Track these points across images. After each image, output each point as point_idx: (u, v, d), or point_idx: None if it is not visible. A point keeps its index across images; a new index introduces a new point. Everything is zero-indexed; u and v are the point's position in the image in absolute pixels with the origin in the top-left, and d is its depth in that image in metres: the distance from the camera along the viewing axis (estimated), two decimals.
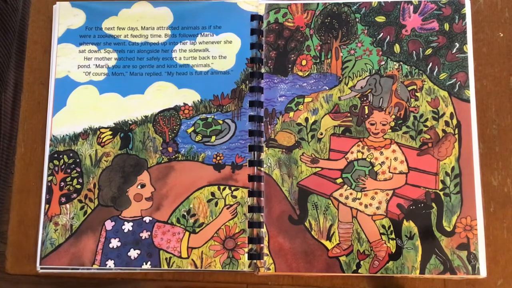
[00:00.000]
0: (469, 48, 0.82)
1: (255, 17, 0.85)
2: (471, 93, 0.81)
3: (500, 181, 0.81)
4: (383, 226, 0.78)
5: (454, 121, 0.80)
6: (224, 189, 0.80)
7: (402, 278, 0.80)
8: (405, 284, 0.80)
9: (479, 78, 0.83)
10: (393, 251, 0.78)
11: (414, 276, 0.78)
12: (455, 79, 0.81)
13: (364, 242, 0.78)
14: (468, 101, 0.80)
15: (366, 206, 0.79)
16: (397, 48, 0.83)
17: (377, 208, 0.79)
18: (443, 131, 0.80)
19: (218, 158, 0.81)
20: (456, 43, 0.82)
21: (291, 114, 0.82)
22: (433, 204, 0.78)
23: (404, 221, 0.78)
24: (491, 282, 0.79)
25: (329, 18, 0.84)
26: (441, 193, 0.79)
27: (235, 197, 0.80)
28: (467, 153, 0.79)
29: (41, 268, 0.80)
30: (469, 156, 0.79)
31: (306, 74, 0.83)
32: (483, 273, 0.77)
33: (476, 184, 0.79)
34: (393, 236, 0.78)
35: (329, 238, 0.78)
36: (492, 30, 0.85)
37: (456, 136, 0.80)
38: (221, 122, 0.82)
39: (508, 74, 0.84)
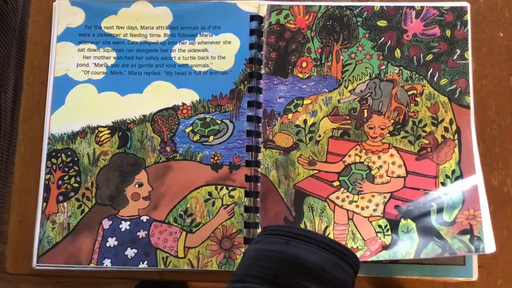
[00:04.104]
0: (470, 55, 0.82)
1: (254, 17, 0.85)
2: (471, 99, 0.80)
3: (500, 181, 0.81)
4: (379, 226, 0.78)
5: (454, 127, 0.79)
6: (221, 189, 0.80)
7: (402, 278, 0.79)
8: (405, 285, 0.80)
9: (479, 78, 0.83)
10: (388, 243, 0.77)
11: (415, 278, 0.78)
12: (456, 85, 0.81)
13: (358, 240, 0.78)
14: (468, 107, 0.80)
15: (362, 208, 0.78)
16: (398, 53, 0.82)
17: (374, 210, 0.78)
18: (442, 136, 0.79)
19: (215, 158, 0.81)
20: (457, 50, 0.82)
21: (290, 115, 0.82)
22: (433, 203, 0.78)
23: (402, 220, 0.78)
24: (491, 282, 0.79)
25: (331, 21, 0.84)
26: (442, 195, 0.78)
27: (232, 197, 0.80)
28: (468, 158, 0.79)
29: (37, 266, 0.80)
30: (470, 160, 0.78)
31: (306, 76, 0.83)
32: (489, 250, 0.75)
33: (479, 183, 0.77)
34: (389, 232, 0.77)
35: None
36: (492, 30, 0.85)
37: (456, 141, 0.79)
38: (219, 122, 0.82)
39: (508, 74, 0.84)
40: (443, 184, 0.78)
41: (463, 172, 0.78)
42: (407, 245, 0.76)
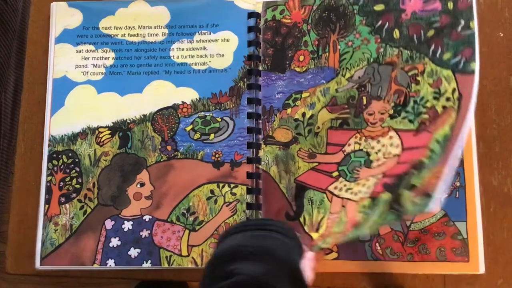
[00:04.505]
0: (476, 23, 0.76)
1: (252, 14, 0.85)
2: (477, 64, 0.73)
3: (500, 181, 0.81)
4: (363, 206, 0.74)
5: (456, 95, 0.74)
6: (223, 186, 0.81)
7: (402, 277, 0.79)
8: (405, 283, 0.80)
9: (479, 78, 0.81)
10: (359, 220, 0.73)
11: (414, 273, 0.78)
12: (460, 56, 0.76)
13: (342, 224, 0.76)
14: (473, 72, 0.73)
15: (356, 194, 0.76)
16: (396, 34, 0.80)
17: (365, 193, 0.76)
18: (443, 107, 0.74)
19: (217, 155, 0.81)
20: (461, 20, 0.77)
21: (289, 110, 0.82)
22: (413, 170, 0.71)
23: (382, 195, 0.72)
24: (491, 281, 0.78)
25: (326, 12, 0.83)
26: (425, 159, 0.71)
27: (234, 194, 0.80)
28: (462, 120, 0.70)
29: (41, 268, 0.80)
30: (464, 122, 0.68)
31: (304, 69, 0.82)
32: (433, 208, 0.63)
33: (461, 143, 0.67)
34: (367, 210, 0.73)
35: (317, 230, 0.77)
36: (492, 30, 0.84)
37: (456, 107, 0.73)
38: (219, 120, 0.83)
39: (508, 74, 0.83)
40: (431, 150, 0.72)
41: (453, 133, 0.70)
42: (371, 220, 0.71)
